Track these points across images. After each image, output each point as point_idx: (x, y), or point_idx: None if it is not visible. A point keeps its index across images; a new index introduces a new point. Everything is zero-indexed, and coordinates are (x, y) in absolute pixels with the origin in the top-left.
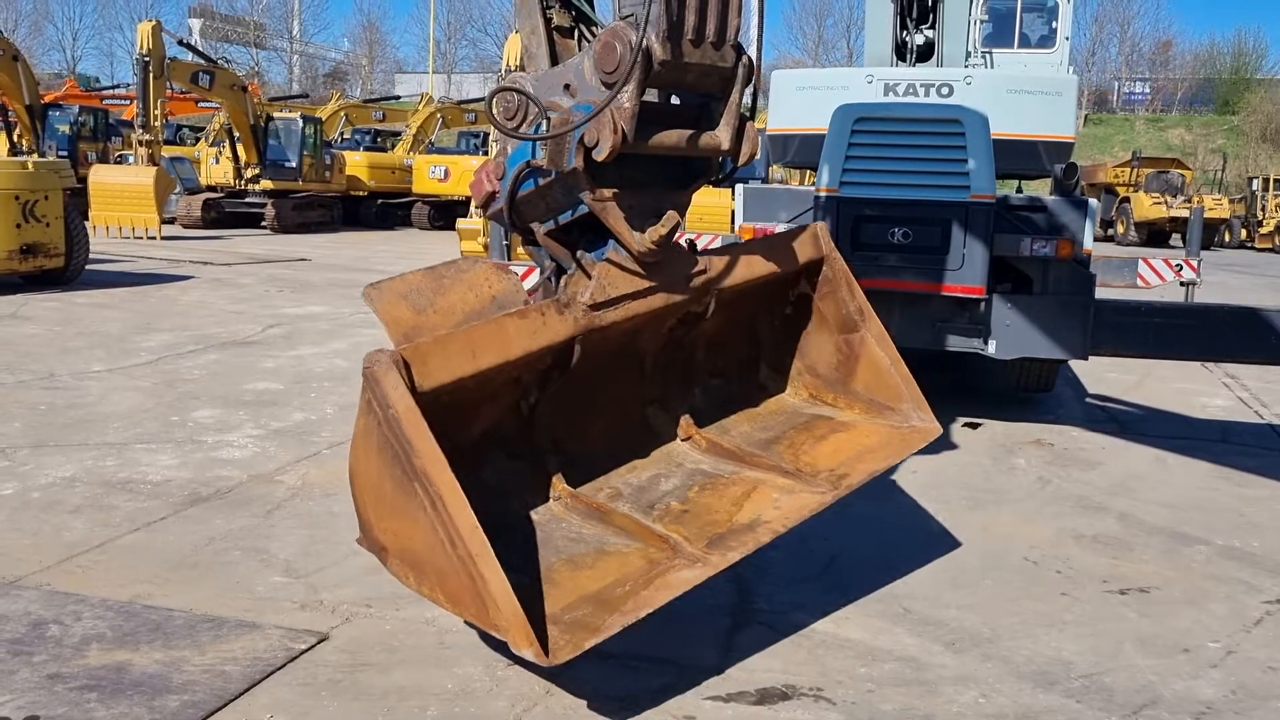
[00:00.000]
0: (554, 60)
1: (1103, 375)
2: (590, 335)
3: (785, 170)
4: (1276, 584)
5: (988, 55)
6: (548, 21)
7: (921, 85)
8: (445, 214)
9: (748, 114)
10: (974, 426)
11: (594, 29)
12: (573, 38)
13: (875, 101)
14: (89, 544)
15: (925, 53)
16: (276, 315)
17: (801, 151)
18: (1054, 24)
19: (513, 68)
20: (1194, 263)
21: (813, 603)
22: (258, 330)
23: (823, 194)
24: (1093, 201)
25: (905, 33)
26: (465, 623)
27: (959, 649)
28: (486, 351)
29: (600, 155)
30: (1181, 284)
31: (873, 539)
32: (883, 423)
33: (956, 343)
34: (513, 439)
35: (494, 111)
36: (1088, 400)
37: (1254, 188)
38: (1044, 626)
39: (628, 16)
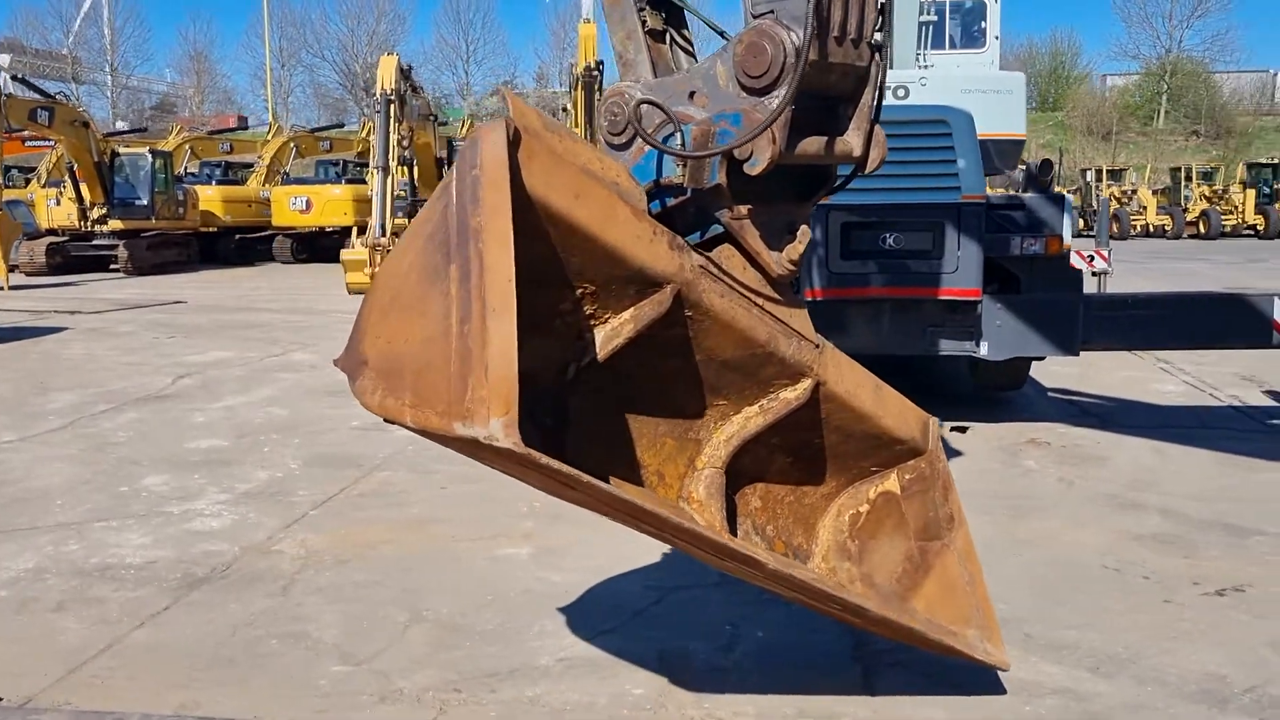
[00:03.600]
0: (653, 67)
1: (1045, 368)
2: (684, 297)
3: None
4: None
5: (920, 56)
6: (642, 23)
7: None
8: (309, 246)
9: (876, 117)
10: (963, 430)
11: (685, 32)
12: (664, 42)
13: None
14: (94, 647)
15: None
16: (180, 364)
17: None
18: (983, 24)
19: (583, 75)
20: (1105, 253)
21: None
22: (168, 382)
23: None
24: (1069, 197)
25: None
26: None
27: (1107, 674)
28: (588, 209)
29: (756, 169)
30: (1094, 274)
31: None
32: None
33: (949, 347)
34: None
35: (600, 125)
36: (1051, 395)
37: (1088, 179)
38: (1172, 639)
39: (765, 14)
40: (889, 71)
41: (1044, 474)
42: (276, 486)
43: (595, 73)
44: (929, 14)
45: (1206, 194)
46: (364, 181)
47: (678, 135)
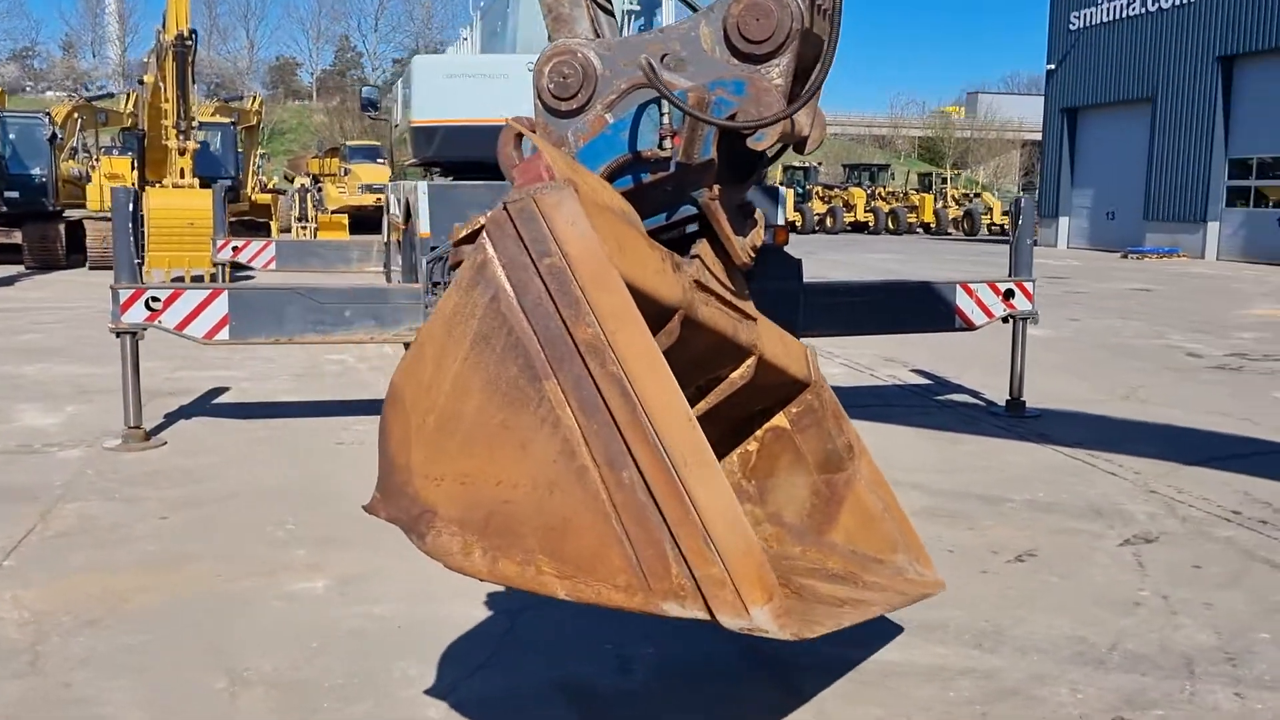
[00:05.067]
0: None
1: None
2: (687, 319)
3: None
4: (1107, 526)
5: None
6: None
7: None
8: None
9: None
10: None
11: None
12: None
13: None
14: None
15: None
16: None
17: (447, 146)
18: (657, 16)
19: (174, 44)
20: (1028, 287)
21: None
22: None
23: None
24: (783, 190)
25: None
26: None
27: (990, 648)
28: (629, 260)
29: (763, 144)
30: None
31: None
32: (869, 578)
33: None
34: None
35: (546, 88)
36: None
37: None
38: (1016, 608)
39: None
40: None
41: None
42: None
43: (189, 42)
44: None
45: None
46: None
47: (654, 108)
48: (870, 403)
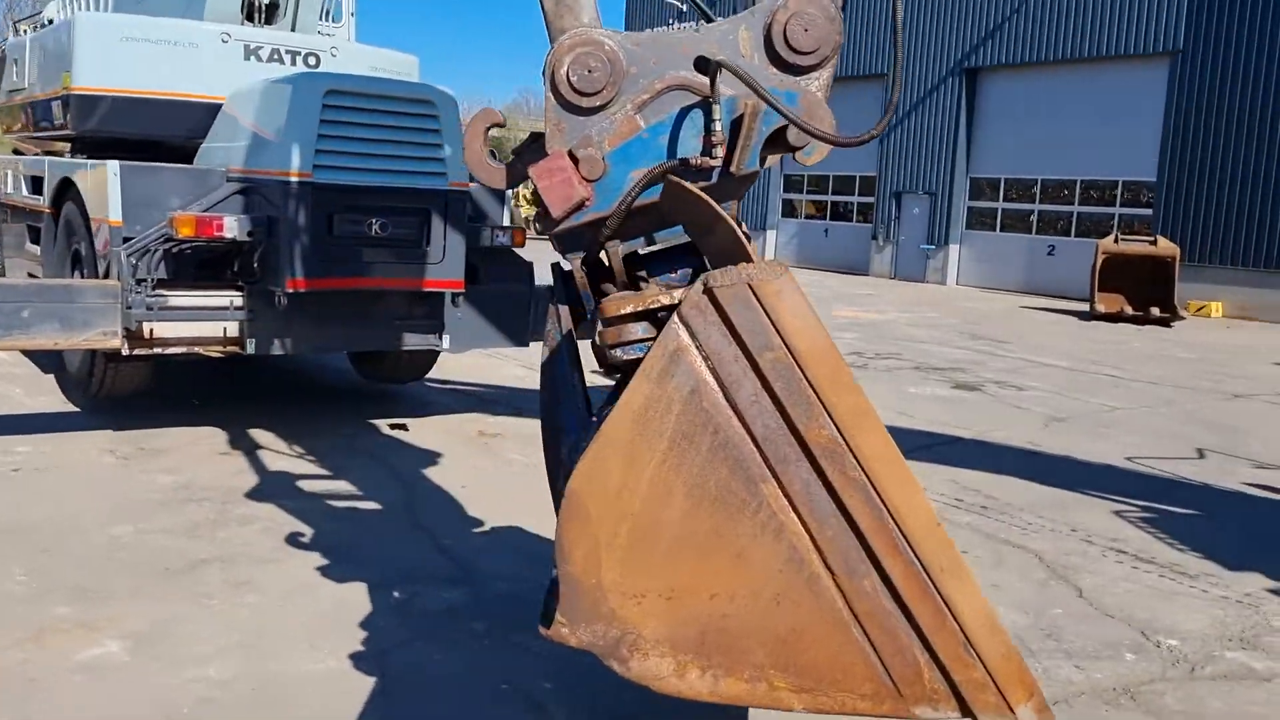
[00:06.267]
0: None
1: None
2: None
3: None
4: None
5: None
6: None
7: (287, 52)
8: None
9: None
10: (403, 428)
11: None
12: None
13: (343, 73)
14: None
15: (270, 12)
16: None
17: (113, 119)
18: None
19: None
20: None
21: None
22: None
23: (292, 179)
24: (509, 190)
25: None
26: None
27: None
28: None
29: (811, 159)
30: None
31: None
32: None
33: (415, 340)
34: None
35: (567, 81)
36: (433, 385)
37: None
38: None
39: None
40: (304, 37)
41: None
42: None
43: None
44: None
45: None
46: None
47: (716, 109)
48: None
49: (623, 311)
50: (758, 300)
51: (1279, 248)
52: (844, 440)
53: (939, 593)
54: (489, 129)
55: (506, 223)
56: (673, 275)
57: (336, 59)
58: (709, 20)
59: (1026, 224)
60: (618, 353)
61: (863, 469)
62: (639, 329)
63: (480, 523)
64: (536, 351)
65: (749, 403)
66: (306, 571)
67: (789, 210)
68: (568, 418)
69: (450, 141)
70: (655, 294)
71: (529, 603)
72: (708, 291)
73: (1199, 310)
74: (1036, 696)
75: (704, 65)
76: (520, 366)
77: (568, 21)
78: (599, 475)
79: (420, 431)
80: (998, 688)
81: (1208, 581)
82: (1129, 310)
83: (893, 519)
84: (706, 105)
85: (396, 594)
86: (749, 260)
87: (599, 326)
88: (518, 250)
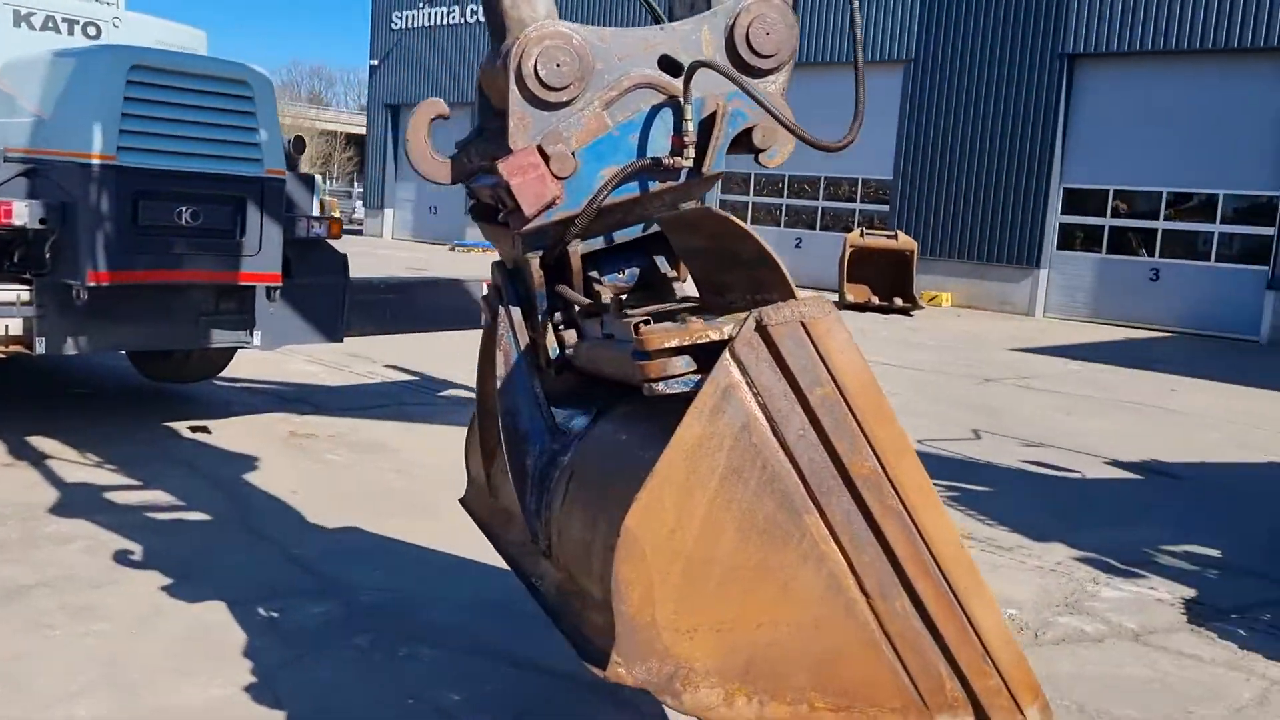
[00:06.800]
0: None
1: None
2: None
3: None
4: None
5: None
6: None
7: (64, 20)
8: None
9: None
10: (205, 431)
11: None
12: None
13: (145, 46)
14: None
15: None
16: None
17: None
18: None
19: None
20: None
21: None
22: None
23: (94, 161)
24: (319, 178)
25: None
26: None
27: None
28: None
29: (774, 161)
30: None
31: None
32: None
33: (223, 337)
34: None
35: (535, 74)
36: (222, 385)
37: None
38: None
39: None
40: (84, 4)
41: (372, 466)
42: None
43: None
44: None
45: None
46: None
47: (688, 109)
48: (386, 402)
49: (667, 345)
50: (809, 338)
51: (997, 243)
52: (884, 471)
53: (964, 611)
54: (433, 120)
55: (317, 213)
56: (619, 276)
57: (119, 29)
58: (658, 20)
59: (775, 218)
60: (659, 386)
61: (899, 498)
62: (680, 363)
63: (321, 528)
64: (330, 349)
65: (796, 437)
66: (152, 592)
67: None
68: (531, 424)
69: (266, 125)
70: (701, 329)
71: (402, 614)
72: (760, 329)
73: (932, 300)
74: (1041, 697)
75: (670, 64)
76: (309, 362)
77: (525, 12)
78: (654, 514)
79: (226, 434)
80: (1010, 693)
81: (1023, 554)
82: (875, 300)
83: (925, 544)
84: (677, 105)
85: (263, 611)
86: (794, 296)
87: (635, 359)
88: (332, 242)
